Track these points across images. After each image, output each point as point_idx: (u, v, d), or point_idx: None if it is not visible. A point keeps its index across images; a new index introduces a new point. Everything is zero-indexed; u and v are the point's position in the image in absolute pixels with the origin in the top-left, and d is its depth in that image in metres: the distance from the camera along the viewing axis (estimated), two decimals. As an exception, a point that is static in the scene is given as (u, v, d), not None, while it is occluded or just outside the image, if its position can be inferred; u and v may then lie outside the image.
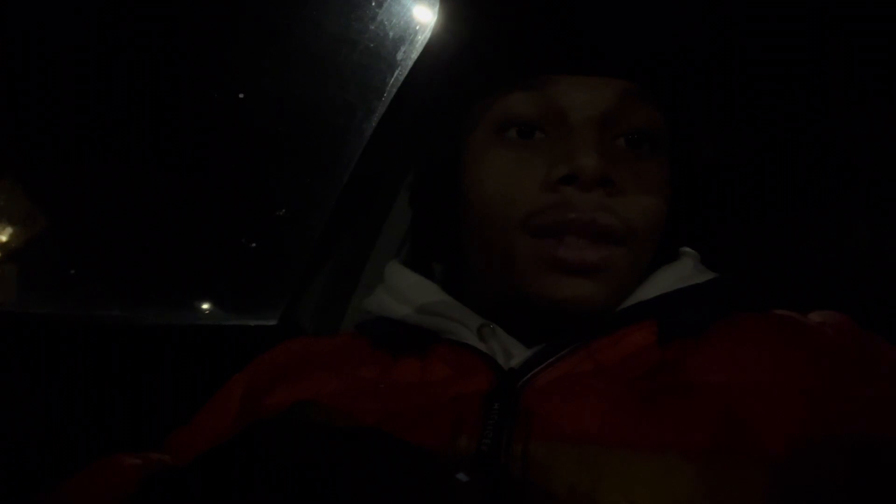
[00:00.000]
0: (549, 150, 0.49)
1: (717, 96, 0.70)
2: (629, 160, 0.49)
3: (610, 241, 0.47)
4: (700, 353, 0.46)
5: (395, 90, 0.94)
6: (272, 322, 1.17)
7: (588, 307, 0.47)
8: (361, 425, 0.36)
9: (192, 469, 0.36)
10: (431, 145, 0.59)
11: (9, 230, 1.19)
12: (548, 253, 0.47)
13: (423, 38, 0.91)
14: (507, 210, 0.48)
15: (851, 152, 0.71)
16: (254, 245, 1.36)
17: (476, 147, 0.52)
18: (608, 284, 0.48)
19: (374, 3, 0.92)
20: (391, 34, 0.93)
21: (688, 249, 0.55)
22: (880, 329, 0.47)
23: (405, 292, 0.56)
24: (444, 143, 0.56)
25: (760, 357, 0.45)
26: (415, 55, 0.91)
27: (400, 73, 0.93)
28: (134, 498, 0.37)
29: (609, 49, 0.51)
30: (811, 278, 0.70)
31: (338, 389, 0.50)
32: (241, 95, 1.15)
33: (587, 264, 0.47)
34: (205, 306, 1.32)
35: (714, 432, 0.40)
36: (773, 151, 0.76)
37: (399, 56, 0.94)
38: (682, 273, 0.53)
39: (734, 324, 0.49)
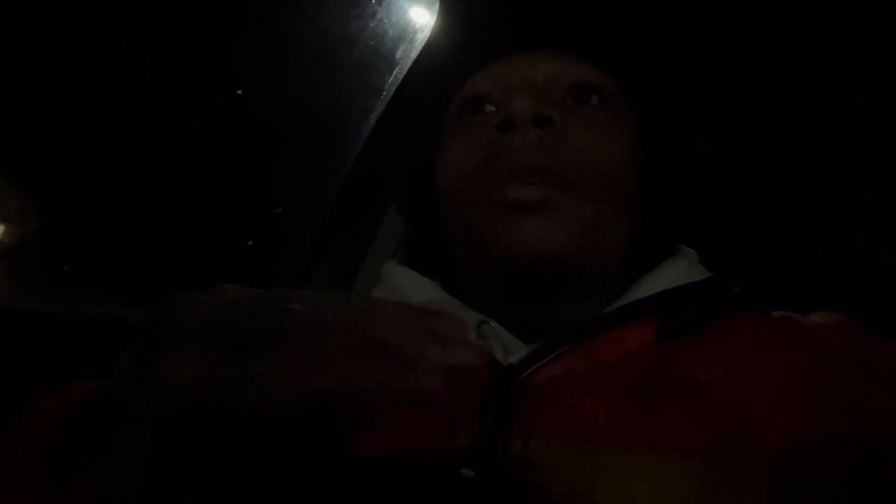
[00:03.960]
0: (494, 114, 0.52)
1: (717, 97, 0.71)
2: (579, 113, 0.52)
3: (555, 179, 0.48)
4: (700, 352, 0.45)
5: (393, 89, 0.94)
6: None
7: (544, 251, 0.47)
8: None
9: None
10: (416, 146, 0.61)
11: (2, 227, 1.18)
12: (494, 198, 0.48)
13: (422, 37, 0.91)
14: (460, 173, 0.51)
15: (851, 155, 0.72)
16: (250, 243, 1.35)
17: (445, 137, 0.56)
18: (562, 224, 0.48)
19: (373, 2, 0.92)
20: (390, 32, 0.93)
21: (685, 248, 0.55)
22: (879, 330, 0.47)
23: (403, 291, 0.56)
24: (426, 142, 0.59)
25: (761, 356, 0.44)
26: (414, 54, 0.91)
27: (399, 72, 0.93)
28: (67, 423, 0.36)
29: (543, 24, 0.57)
30: (810, 279, 0.70)
31: None
32: (238, 92, 1.15)
33: (534, 201, 0.47)
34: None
35: (714, 431, 0.39)
36: (773, 154, 0.76)
37: (398, 55, 0.94)
38: (680, 271, 0.52)
39: (734, 323, 0.48)
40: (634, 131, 0.54)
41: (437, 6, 0.84)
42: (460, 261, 0.56)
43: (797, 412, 0.40)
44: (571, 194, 0.48)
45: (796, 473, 0.38)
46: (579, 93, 0.53)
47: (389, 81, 0.95)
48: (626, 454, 0.39)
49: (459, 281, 0.57)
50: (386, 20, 0.92)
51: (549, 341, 0.47)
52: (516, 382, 0.45)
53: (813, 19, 0.63)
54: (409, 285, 0.56)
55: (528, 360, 0.46)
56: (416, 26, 0.92)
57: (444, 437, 0.42)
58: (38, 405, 0.45)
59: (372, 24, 0.93)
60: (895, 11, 0.57)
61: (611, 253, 0.52)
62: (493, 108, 0.53)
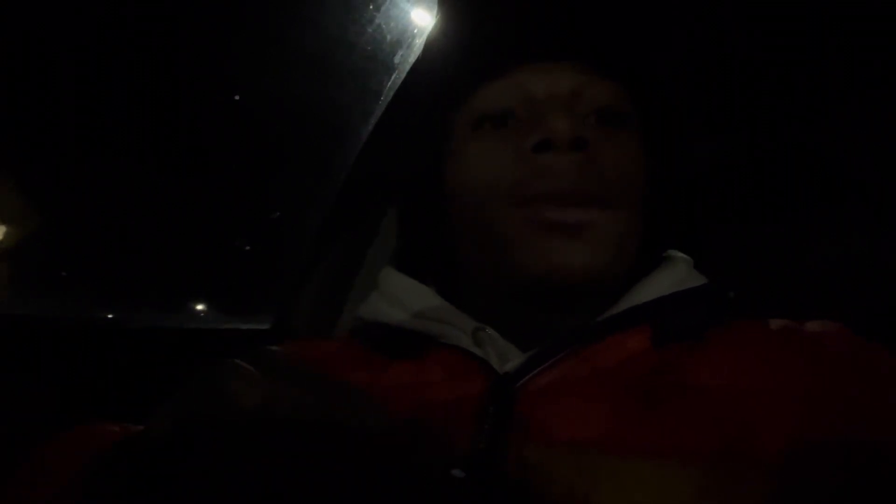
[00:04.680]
0: (523, 129, 0.51)
1: (714, 98, 0.70)
2: (601, 132, 0.51)
3: (593, 201, 0.48)
4: (697, 358, 0.45)
5: (392, 93, 0.94)
6: (265, 326, 1.17)
7: (580, 274, 0.47)
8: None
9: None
10: (417, 150, 0.60)
11: (2, 229, 1.18)
12: (534, 216, 0.48)
13: (420, 42, 0.91)
14: (489, 189, 0.50)
15: (851, 158, 0.71)
16: (248, 248, 1.35)
17: (456, 146, 0.55)
18: (597, 247, 0.48)
19: (371, 7, 0.92)
20: (389, 37, 0.93)
21: (681, 254, 0.55)
22: (878, 335, 0.47)
23: (400, 297, 0.56)
24: (428, 147, 0.57)
25: (758, 361, 0.44)
26: (412, 59, 0.91)
27: (397, 77, 0.93)
28: (101, 462, 0.38)
29: (564, 34, 0.54)
30: (808, 284, 0.70)
31: None
32: (237, 97, 1.15)
33: (573, 224, 0.47)
34: (197, 309, 1.31)
35: (713, 436, 0.39)
36: (770, 155, 0.76)
37: (396, 59, 0.94)
38: (676, 277, 0.52)
39: (731, 329, 0.48)
40: (640, 139, 0.54)
41: (434, 11, 0.84)
42: (465, 269, 0.55)
43: (796, 416, 0.40)
44: (606, 214, 0.48)
45: (796, 477, 0.38)
46: (602, 114, 0.52)
47: (388, 85, 0.95)
48: (624, 459, 0.39)
49: (457, 287, 0.57)
50: (384, 25, 0.92)
51: (546, 347, 0.47)
52: (512, 389, 0.45)
53: (813, 20, 0.63)
54: (404, 291, 0.56)
55: (525, 366, 0.46)
56: (415, 31, 0.92)
57: (443, 444, 0.42)
58: (54, 446, 0.46)
59: (370, 29, 0.93)
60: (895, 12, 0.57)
61: (627, 264, 0.51)
62: (517, 122, 0.52)
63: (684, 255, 0.55)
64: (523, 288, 0.49)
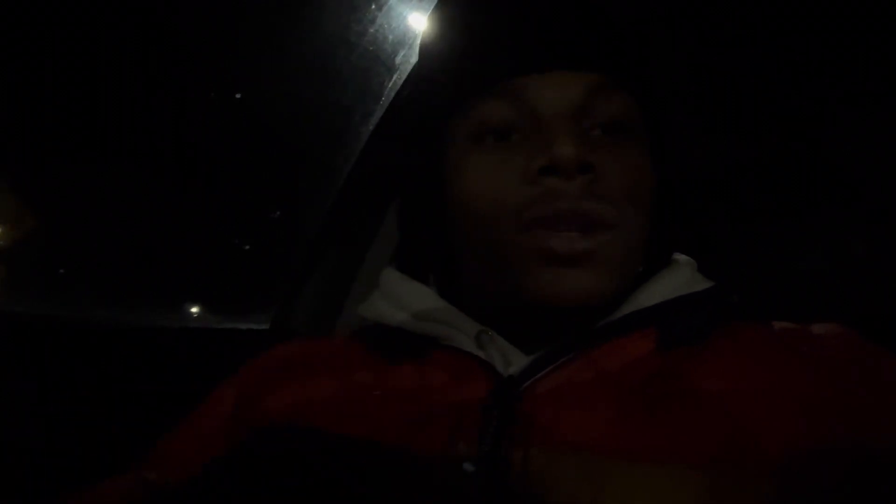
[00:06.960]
0: (527, 146, 0.49)
1: (714, 104, 0.70)
2: (607, 146, 0.49)
3: (599, 227, 0.47)
4: (701, 361, 0.45)
5: (392, 94, 0.94)
6: (264, 326, 1.17)
7: (586, 299, 0.47)
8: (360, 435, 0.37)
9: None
10: (415, 157, 0.59)
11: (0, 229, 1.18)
12: (539, 245, 0.47)
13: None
14: (494, 209, 0.49)
15: (851, 162, 0.72)
16: (247, 247, 1.35)
17: (456, 156, 0.53)
18: (604, 272, 0.47)
19: (373, 6, 0.92)
20: (390, 38, 0.93)
21: (685, 257, 0.55)
22: (879, 338, 0.47)
23: (402, 298, 0.55)
24: (427, 154, 0.57)
25: (762, 365, 0.44)
26: (414, 59, 0.91)
27: (399, 77, 0.93)
28: None
29: (571, 43, 0.52)
30: (809, 288, 0.70)
31: (332, 395, 0.49)
32: (237, 96, 1.15)
33: (579, 253, 0.46)
34: (196, 309, 1.31)
35: (717, 441, 0.39)
36: (772, 161, 0.76)
37: (398, 60, 0.94)
38: (680, 281, 0.52)
39: (735, 332, 0.48)
40: (646, 146, 0.53)
41: (433, 13, 0.84)
42: (466, 276, 0.55)
43: (798, 419, 0.40)
44: (612, 235, 0.47)
45: (798, 482, 0.38)
46: (610, 128, 0.51)
47: (389, 86, 0.95)
48: (627, 465, 0.39)
49: (458, 289, 0.56)
50: (386, 25, 0.92)
51: (549, 351, 0.47)
52: (517, 392, 0.45)
53: (812, 24, 0.63)
54: (406, 293, 0.56)
55: (529, 370, 0.46)
56: (416, 31, 0.92)
57: (447, 448, 0.41)
58: None
59: (372, 30, 0.93)
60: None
61: (633, 273, 0.51)
62: (520, 136, 0.51)
63: (688, 258, 0.55)
64: (525, 307, 0.49)
